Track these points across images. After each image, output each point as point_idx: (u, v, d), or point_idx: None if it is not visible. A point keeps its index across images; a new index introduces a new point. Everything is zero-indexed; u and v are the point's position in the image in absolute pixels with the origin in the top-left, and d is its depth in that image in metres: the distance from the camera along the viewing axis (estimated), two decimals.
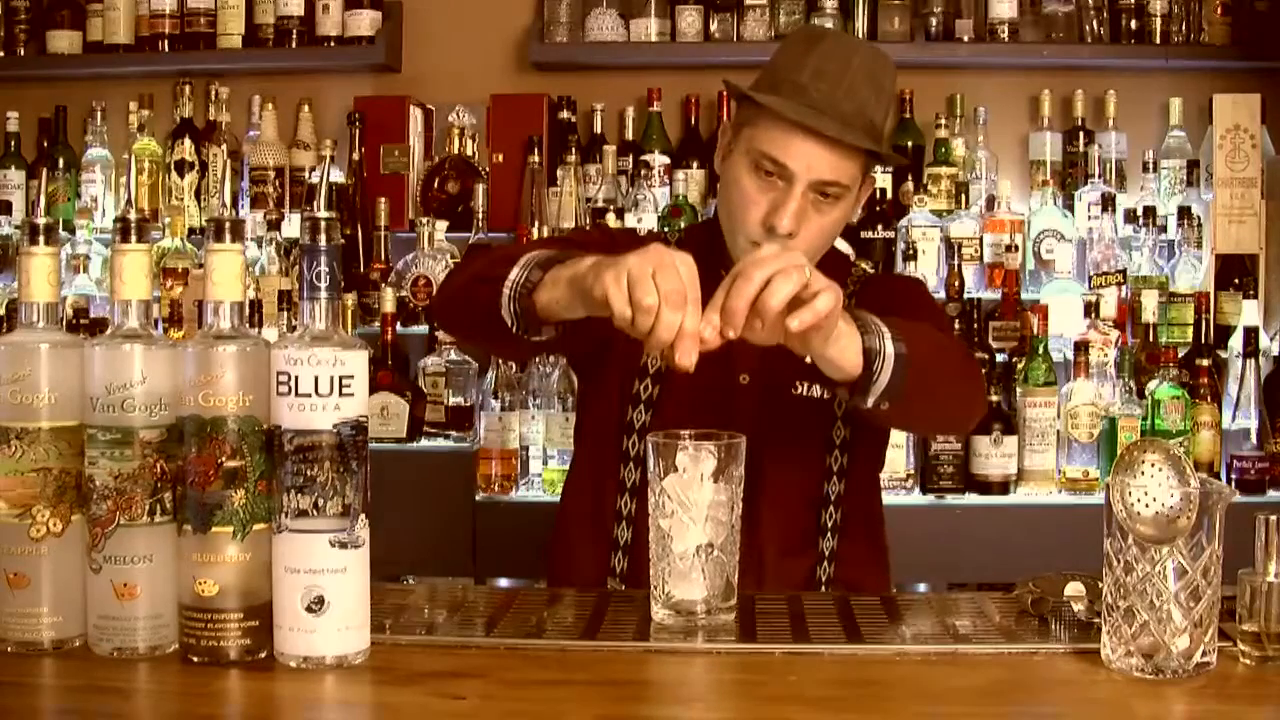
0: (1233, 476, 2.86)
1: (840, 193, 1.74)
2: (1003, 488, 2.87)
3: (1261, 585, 1.27)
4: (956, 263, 3.05)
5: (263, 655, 1.26)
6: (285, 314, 3.05)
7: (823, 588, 1.82)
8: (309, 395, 1.21)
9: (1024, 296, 3.07)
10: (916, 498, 2.89)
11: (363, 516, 1.24)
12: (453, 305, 1.79)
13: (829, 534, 1.83)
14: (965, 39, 3.20)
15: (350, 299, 3.08)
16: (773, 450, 1.77)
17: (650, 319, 1.36)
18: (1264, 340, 2.99)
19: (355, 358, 1.23)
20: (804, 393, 1.82)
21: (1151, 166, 3.17)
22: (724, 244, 1.84)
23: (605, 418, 1.85)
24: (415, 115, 3.37)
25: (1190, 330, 2.99)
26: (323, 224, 1.24)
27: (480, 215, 3.16)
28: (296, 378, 1.21)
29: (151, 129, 3.40)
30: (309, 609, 1.22)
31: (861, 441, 1.86)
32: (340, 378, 1.22)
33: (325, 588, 1.22)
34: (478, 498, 2.88)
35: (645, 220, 3.13)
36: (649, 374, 1.83)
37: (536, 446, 2.93)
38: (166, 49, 3.35)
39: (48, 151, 3.45)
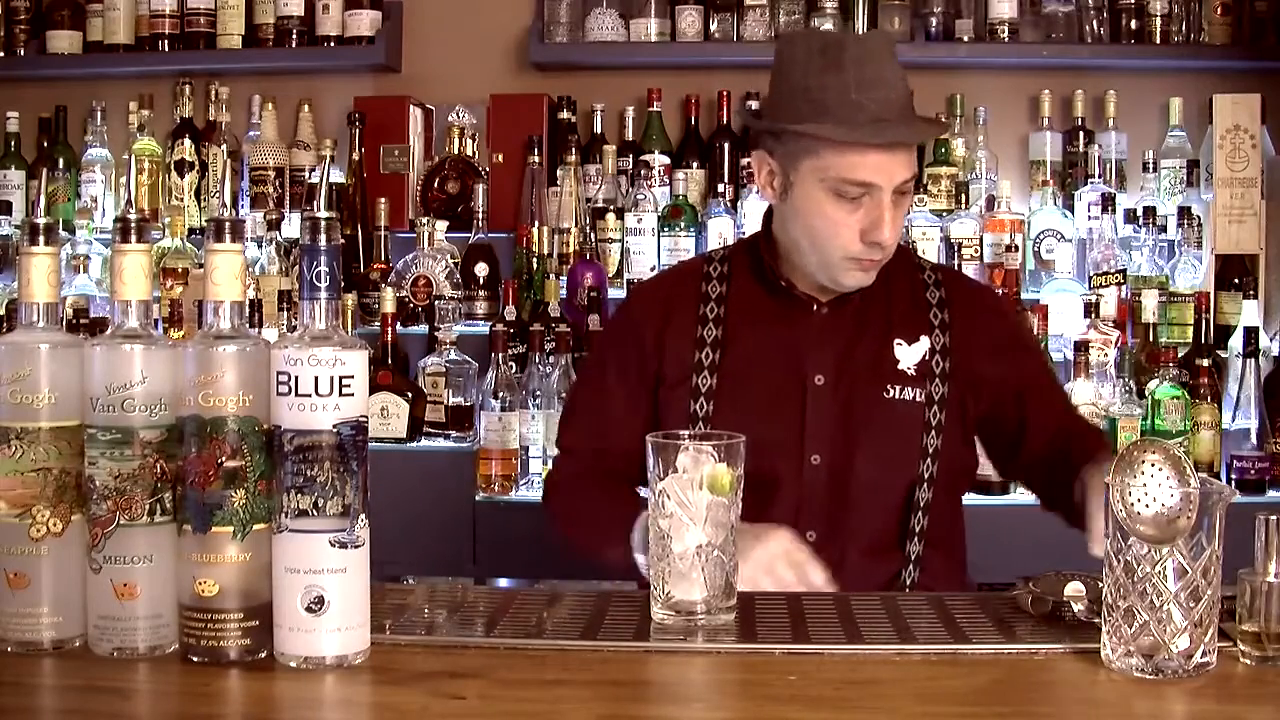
0: (1233, 476, 2.86)
1: (910, 185, 1.80)
2: (1003, 488, 2.86)
3: (1261, 585, 1.26)
4: (956, 263, 3.05)
5: (263, 655, 1.26)
6: (285, 314, 3.05)
7: (915, 538, 1.84)
8: (309, 395, 1.21)
9: (1024, 296, 3.07)
10: None
11: (363, 516, 1.24)
12: (577, 549, 1.94)
13: (915, 539, 1.83)
14: (965, 39, 3.20)
15: (350, 299, 3.08)
16: (864, 451, 1.81)
17: None
18: (1264, 340, 2.98)
19: (355, 358, 1.23)
20: (896, 395, 1.84)
21: (1151, 166, 3.17)
22: (769, 261, 1.88)
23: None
24: (415, 115, 3.37)
25: (1190, 330, 2.99)
26: (323, 224, 1.24)
27: (480, 215, 3.16)
28: (296, 378, 1.21)
29: (151, 129, 3.40)
30: (309, 609, 1.22)
31: (953, 452, 1.87)
32: (340, 378, 1.22)
33: (325, 588, 1.22)
34: (478, 498, 2.88)
35: (645, 220, 3.13)
36: (701, 392, 1.85)
37: (536, 446, 2.93)
38: (166, 49, 3.35)
39: (48, 151, 3.45)
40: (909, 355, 1.86)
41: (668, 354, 1.90)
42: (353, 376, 1.22)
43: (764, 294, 1.91)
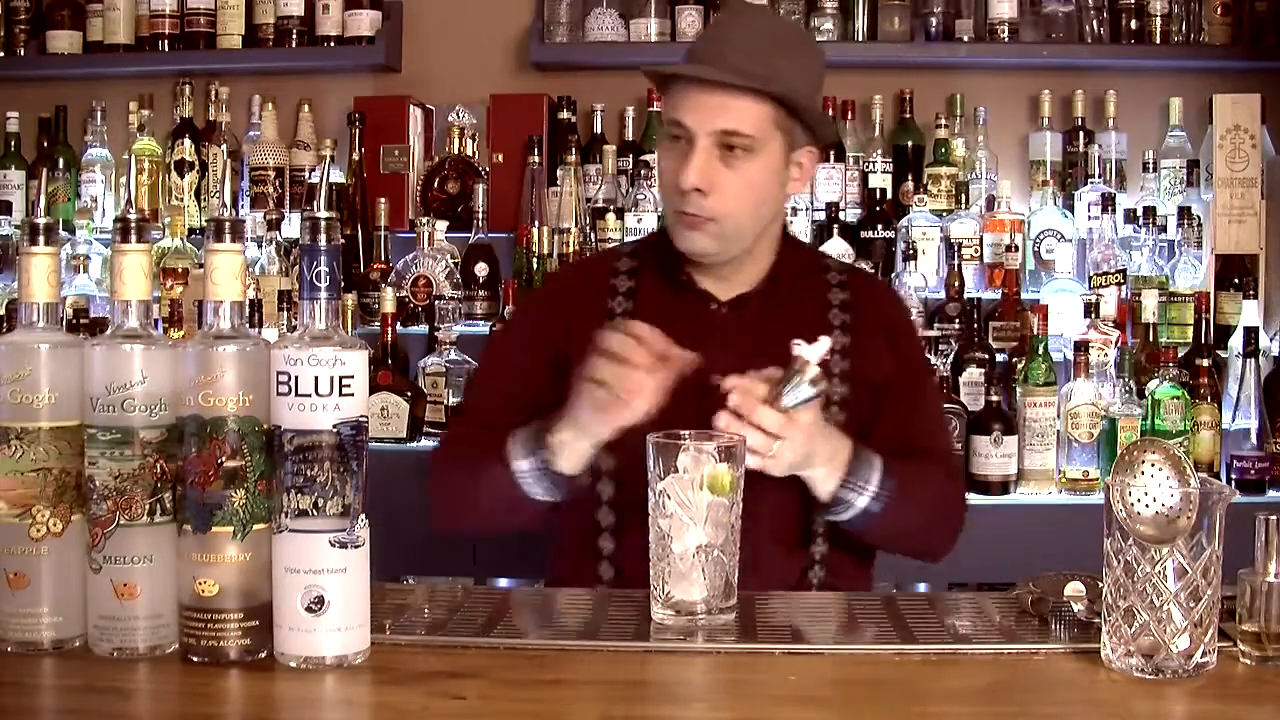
0: (1233, 476, 2.86)
1: (747, 144, 1.74)
2: (1003, 488, 2.86)
3: (1261, 585, 1.27)
4: (956, 263, 3.05)
5: (263, 655, 1.26)
6: (285, 314, 3.05)
7: (815, 590, 1.82)
8: (309, 395, 1.21)
9: (1024, 296, 3.07)
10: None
11: (363, 516, 1.24)
12: (465, 510, 1.88)
13: (819, 539, 1.82)
14: (965, 39, 3.20)
15: (350, 299, 3.08)
16: None
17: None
18: (1264, 340, 2.98)
19: (355, 358, 1.23)
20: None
21: (1151, 166, 3.17)
22: (673, 254, 1.85)
23: None
24: (415, 115, 3.37)
25: (1190, 330, 2.99)
26: (323, 224, 1.24)
27: (480, 215, 3.16)
28: (296, 378, 1.21)
29: (151, 129, 3.40)
30: (309, 609, 1.22)
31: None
32: (340, 378, 1.22)
33: (325, 588, 1.22)
34: None
35: (645, 220, 3.13)
36: None
37: None
38: (166, 49, 3.35)
39: (48, 151, 3.45)
40: (809, 354, 1.84)
41: (575, 346, 1.82)
42: (353, 376, 1.22)
43: (669, 290, 1.88)
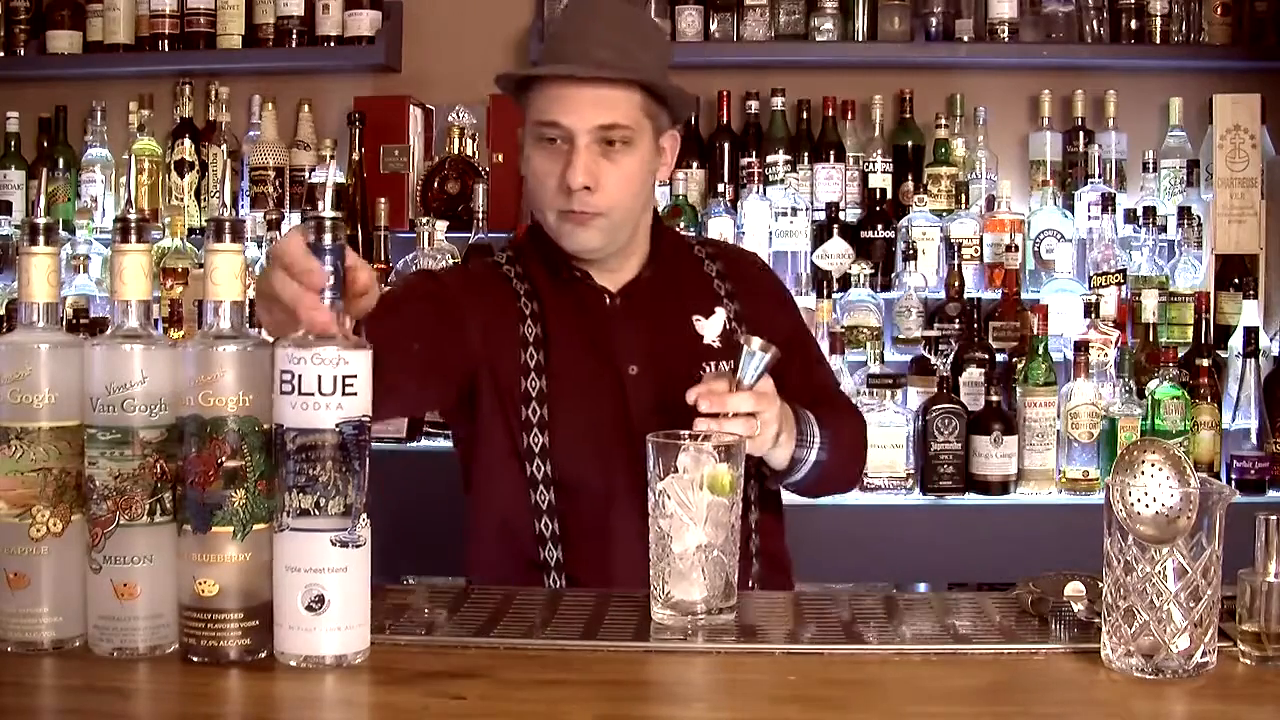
0: (1233, 476, 2.86)
1: (627, 135, 1.77)
2: (1003, 488, 2.87)
3: (1261, 585, 1.26)
4: (956, 263, 3.05)
5: (263, 655, 1.26)
6: None
7: (754, 559, 1.85)
8: (312, 394, 1.21)
9: (1024, 296, 3.07)
10: (916, 498, 2.89)
11: (364, 516, 1.24)
12: None
13: (751, 507, 1.83)
14: (965, 39, 3.20)
15: None
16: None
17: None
18: (1264, 340, 2.99)
19: (358, 357, 1.23)
20: (710, 371, 1.82)
21: (1151, 166, 3.17)
22: (555, 246, 1.84)
23: (501, 452, 1.81)
24: (415, 115, 3.37)
25: (1190, 330, 2.99)
26: (328, 224, 1.24)
27: (480, 215, 3.16)
28: (300, 376, 1.21)
29: (151, 129, 3.40)
30: (309, 608, 1.22)
31: None
32: (343, 377, 1.21)
33: (326, 586, 1.22)
34: None
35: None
36: (532, 397, 1.80)
37: None
38: (166, 49, 3.36)
39: (48, 151, 3.45)
40: (710, 328, 1.87)
41: (492, 353, 1.81)
42: (356, 376, 1.22)
43: (562, 289, 1.87)
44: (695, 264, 1.95)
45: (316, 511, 1.22)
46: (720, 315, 1.88)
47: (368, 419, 1.24)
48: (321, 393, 1.21)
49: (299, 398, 1.21)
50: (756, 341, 1.61)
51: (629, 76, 1.75)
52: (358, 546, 1.23)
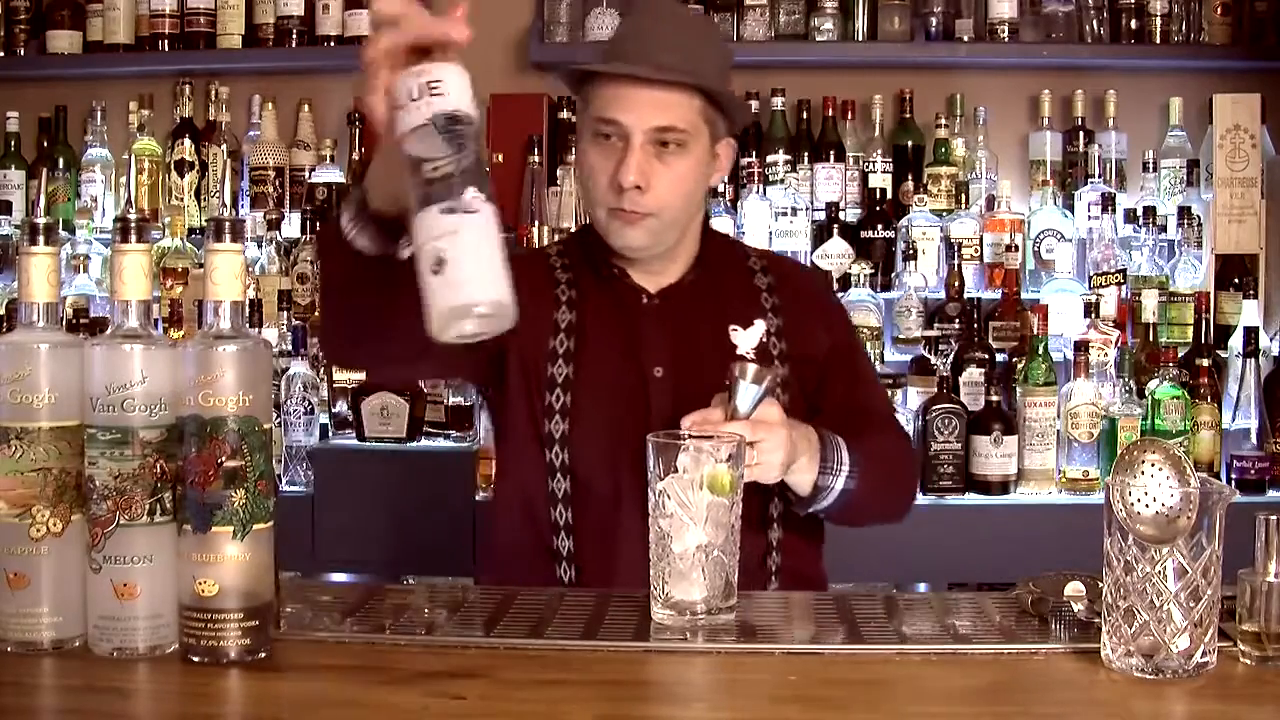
0: (1233, 476, 2.86)
1: (681, 139, 1.77)
2: (1003, 488, 2.86)
3: (1261, 585, 1.27)
4: (956, 263, 3.05)
5: (263, 655, 1.26)
6: (285, 314, 3.05)
7: (773, 576, 1.82)
8: (404, 104, 1.29)
9: (1024, 296, 3.07)
10: (917, 498, 2.88)
11: (473, 188, 1.26)
12: (336, 317, 1.68)
13: (775, 523, 1.82)
14: (965, 39, 3.20)
15: None
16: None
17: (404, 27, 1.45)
18: (1264, 340, 2.99)
19: (448, 71, 1.35)
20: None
21: (1151, 166, 3.17)
22: (601, 242, 1.84)
23: (524, 436, 1.83)
24: None
25: (1190, 330, 2.99)
26: None
27: None
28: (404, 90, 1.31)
29: (151, 129, 3.40)
30: (434, 271, 1.22)
31: None
32: (429, 82, 1.32)
33: (444, 249, 1.22)
34: (478, 498, 2.88)
35: None
36: (558, 383, 1.81)
37: None
38: (166, 49, 3.35)
39: (48, 151, 3.45)
40: (746, 339, 1.85)
41: (524, 335, 1.74)
42: (441, 81, 1.34)
43: (600, 285, 1.88)
44: (745, 273, 1.93)
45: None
46: (759, 328, 1.86)
47: (462, 112, 1.33)
48: (412, 100, 1.31)
49: (404, 110, 1.30)
50: (750, 370, 1.59)
51: (689, 80, 1.75)
52: (468, 212, 1.24)
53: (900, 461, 1.91)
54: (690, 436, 1.45)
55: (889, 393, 2.09)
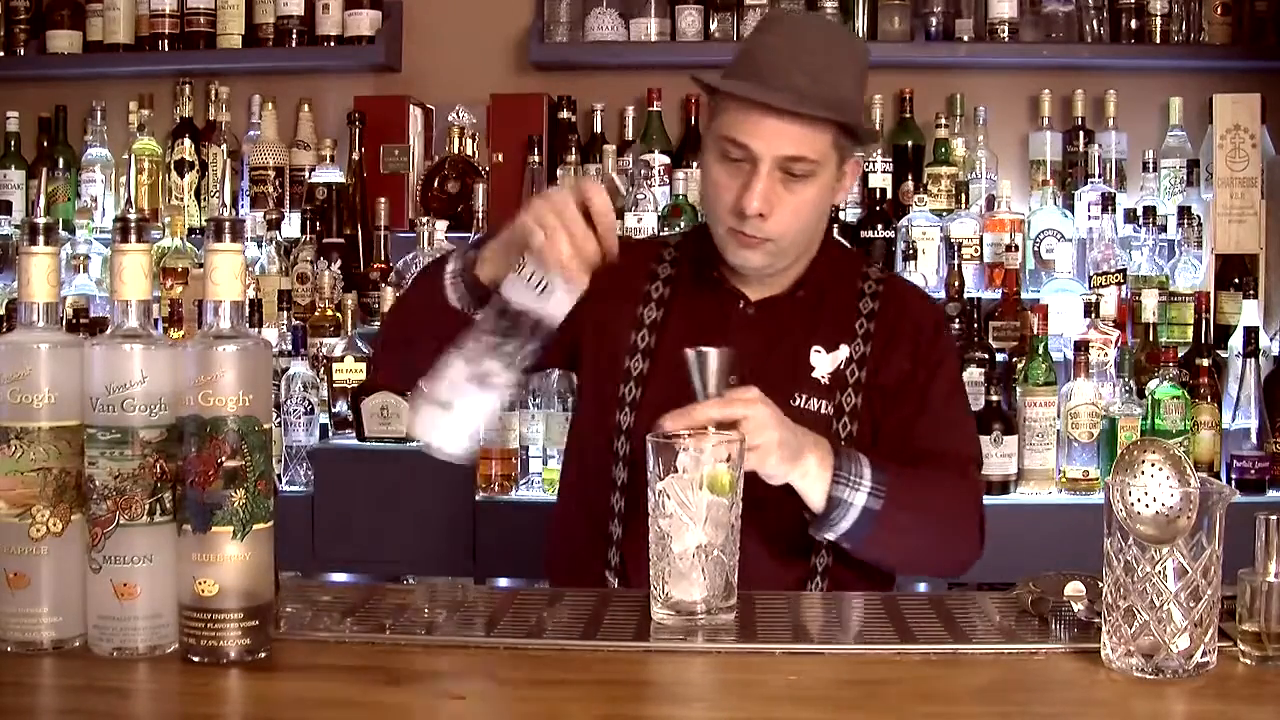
0: (1233, 476, 2.86)
1: (810, 169, 1.72)
2: (1003, 488, 2.86)
3: (1261, 585, 1.27)
4: (956, 263, 3.05)
5: (262, 655, 1.26)
6: (285, 314, 3.05)
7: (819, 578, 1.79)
8: (526, 272, 1.49)
9: (1024, 296, 3.07)
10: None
11: (499, 364, 1.47)
12: (397, 337, 1.86)
13: (822, 552, 1.77)
14: (965, 39, 3.20)
15: (350, 299, 3.07)
16: None
17: (553, 239, 1.50)
18: (1264, 340, 2.98)
19: (569, 294, 1.47)
20: (802, 404, 1.78)
21: (1151, 166, 3.17)
22: (714, 247, 1.83)
23: (596, 419, 1.85)
24: (415, 115, 3.37)
25: (1190, 330, 2.99)
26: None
27: (480, 215, 3.16)
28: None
29: (151, 129, 3.40)
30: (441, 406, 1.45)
31: None
32: (551, 287, 1.48)
33: (454, 402, 1.47)
34: (478, 498, 2.88)
35: (645, 220, 3.13)
36: (632, 376, 1.82)
37: (536, 446, 2.92)
38: (166, 49, 3.35)
39: (48, 151, 3.45)
40: (824, 363, 1.81)
41: (607, 322, 1.82)
42: (557, 295, 1.48)
43: (701, 285, 1.87)
44: (852, 294, 1.87)
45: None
46: (841, 353, 1.81)
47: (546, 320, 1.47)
48: (532, 274, 1.48)
49: (522, 273, 1.49)
50: (705, 351, 1.58)
51: (824, 115, 1.69)
52: (484, 387, 1.47)
53: (956, 504, 1.82)
54: (689, 436, 1.45)
55: (979, 447, 1.95)
